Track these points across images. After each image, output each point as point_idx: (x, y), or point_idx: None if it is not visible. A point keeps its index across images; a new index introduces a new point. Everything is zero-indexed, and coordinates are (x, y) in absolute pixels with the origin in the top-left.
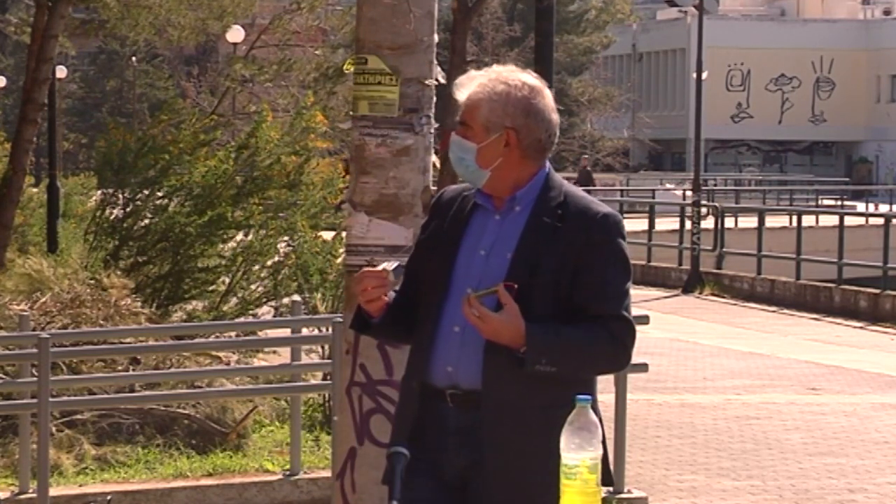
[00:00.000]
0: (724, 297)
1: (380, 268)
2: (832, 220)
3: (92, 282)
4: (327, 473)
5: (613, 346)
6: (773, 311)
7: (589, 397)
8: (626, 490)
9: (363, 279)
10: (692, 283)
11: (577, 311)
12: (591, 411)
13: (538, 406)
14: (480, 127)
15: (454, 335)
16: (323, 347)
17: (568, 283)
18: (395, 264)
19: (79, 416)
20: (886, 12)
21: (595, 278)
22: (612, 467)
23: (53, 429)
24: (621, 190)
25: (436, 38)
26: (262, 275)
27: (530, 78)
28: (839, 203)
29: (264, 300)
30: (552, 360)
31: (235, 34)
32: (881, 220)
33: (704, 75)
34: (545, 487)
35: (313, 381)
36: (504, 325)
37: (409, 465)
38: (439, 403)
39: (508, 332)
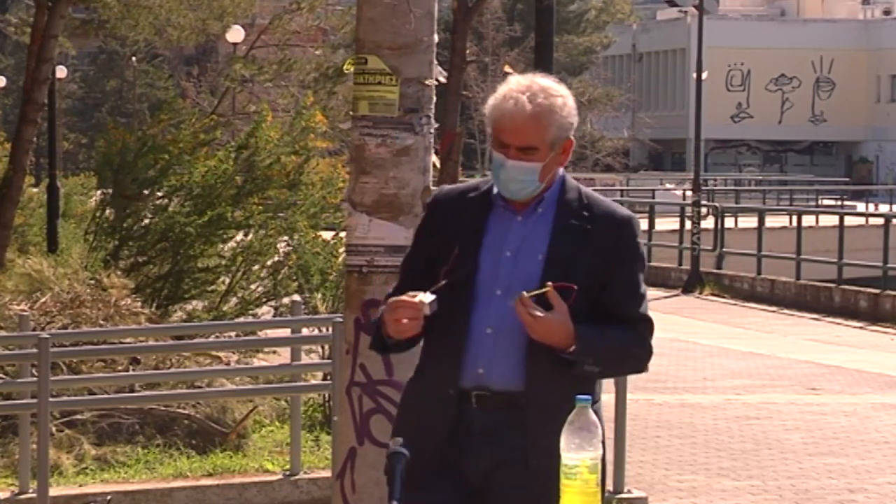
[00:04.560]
0: (724, 297)
1: (416, 299)
2: (832, 220)
3: (92, 282)
4: (327, 473)
5: (643, 347)
6: (773, 311)
7: (589, 397)
8: (626, 490)
9: (398, 309)
10: (692, 283)
11: (607, 312)
12: (591, 411)
13: (567, 399)
14: (547, 146)
15: (486, 337)
16: (323, 347)
17: (598, 284)
18: (432, 297)
19: (79, 416)
20: (886, 12)
21: (624, 281)
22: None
23: (53, 429)
24: (621, 190)
25: (436, 38)
26: (262, 275)
27: (557, 84)
28: (839, 203)
29: (264, 300)
30: (597, 361)
31: (235, 34)
32: (881, 220)
33: (704, 75)
34: None
35: (313, 381)
36: (557, 325)
37: (430, 467)
38: (462, 405)
39: (560, 333)
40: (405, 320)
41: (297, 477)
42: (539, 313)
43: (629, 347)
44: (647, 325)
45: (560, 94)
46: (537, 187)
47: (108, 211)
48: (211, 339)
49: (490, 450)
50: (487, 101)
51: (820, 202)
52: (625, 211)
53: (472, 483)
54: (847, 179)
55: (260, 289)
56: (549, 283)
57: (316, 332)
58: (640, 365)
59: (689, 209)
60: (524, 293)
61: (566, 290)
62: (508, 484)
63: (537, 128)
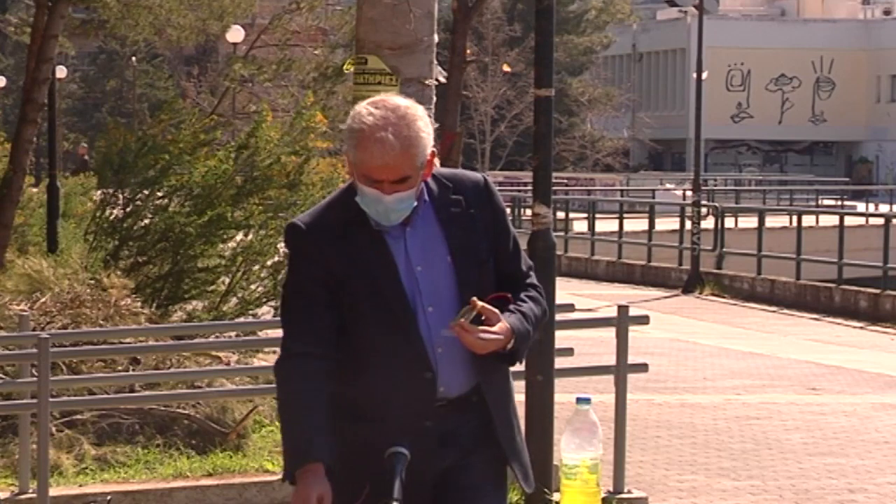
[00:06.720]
0: (724, 297)
1: None
2: (832, 220)
3: (92, 282)
4: None
5: (542, 304)
6: (773, 311)
7: (590, 398)
8: (626, 490)
9: None
10: (692, 283)
11: (503, 278)
12: (592, 413)
13: (508, 383)
14: (418, 169)
15: (441, 357)
16: None
17: (494, 256)
18: None
19: (79, 416)
20: (886, 12)
21: (511, 246)
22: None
23: (53, 429)
24: (621, 190)
25: (436, 38)
26: (262, 275)
27: (402, 98)
28: (839, 203)
29: (264, 300)
30: (530, 343)
31: (235, 34)
32: (881, 220)
33: (704, 75)
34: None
35: None
36: (502, 336)
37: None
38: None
39: (505, 340)
40: None
41: None
42: (485, 335)
43: (539, 312)
44: (533, 274)
45: (418, 115)
46: (412, 206)
47: (108, 211)
48: (211, 339)
49: (448, 451)
50: (346, 134)
51: (820, 202)
52: (478, 175)
53: (426, 483)
54: (847, 179)
55: (260, 289)
56: (475, 299)
57: None
58: (546, 317)
59: (689, 209)
60: (461, 320)
61: (502, 299)
62: (474, 474)
63: (408, 159)
